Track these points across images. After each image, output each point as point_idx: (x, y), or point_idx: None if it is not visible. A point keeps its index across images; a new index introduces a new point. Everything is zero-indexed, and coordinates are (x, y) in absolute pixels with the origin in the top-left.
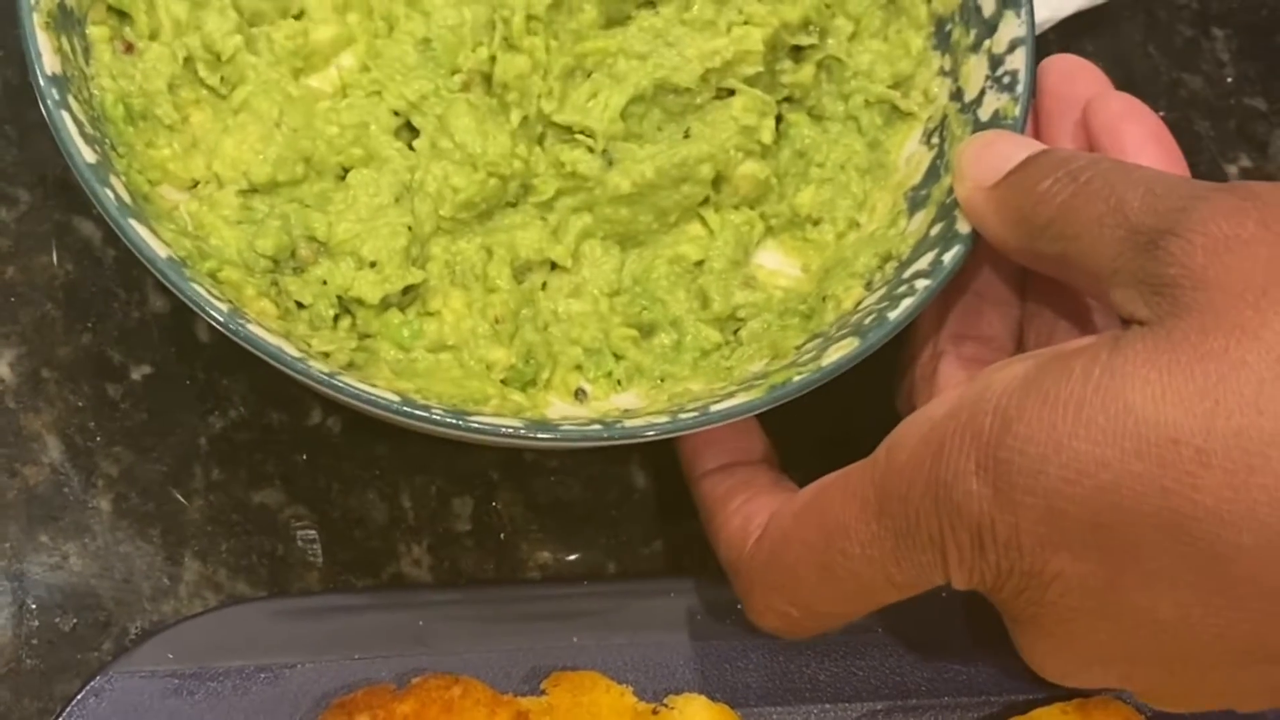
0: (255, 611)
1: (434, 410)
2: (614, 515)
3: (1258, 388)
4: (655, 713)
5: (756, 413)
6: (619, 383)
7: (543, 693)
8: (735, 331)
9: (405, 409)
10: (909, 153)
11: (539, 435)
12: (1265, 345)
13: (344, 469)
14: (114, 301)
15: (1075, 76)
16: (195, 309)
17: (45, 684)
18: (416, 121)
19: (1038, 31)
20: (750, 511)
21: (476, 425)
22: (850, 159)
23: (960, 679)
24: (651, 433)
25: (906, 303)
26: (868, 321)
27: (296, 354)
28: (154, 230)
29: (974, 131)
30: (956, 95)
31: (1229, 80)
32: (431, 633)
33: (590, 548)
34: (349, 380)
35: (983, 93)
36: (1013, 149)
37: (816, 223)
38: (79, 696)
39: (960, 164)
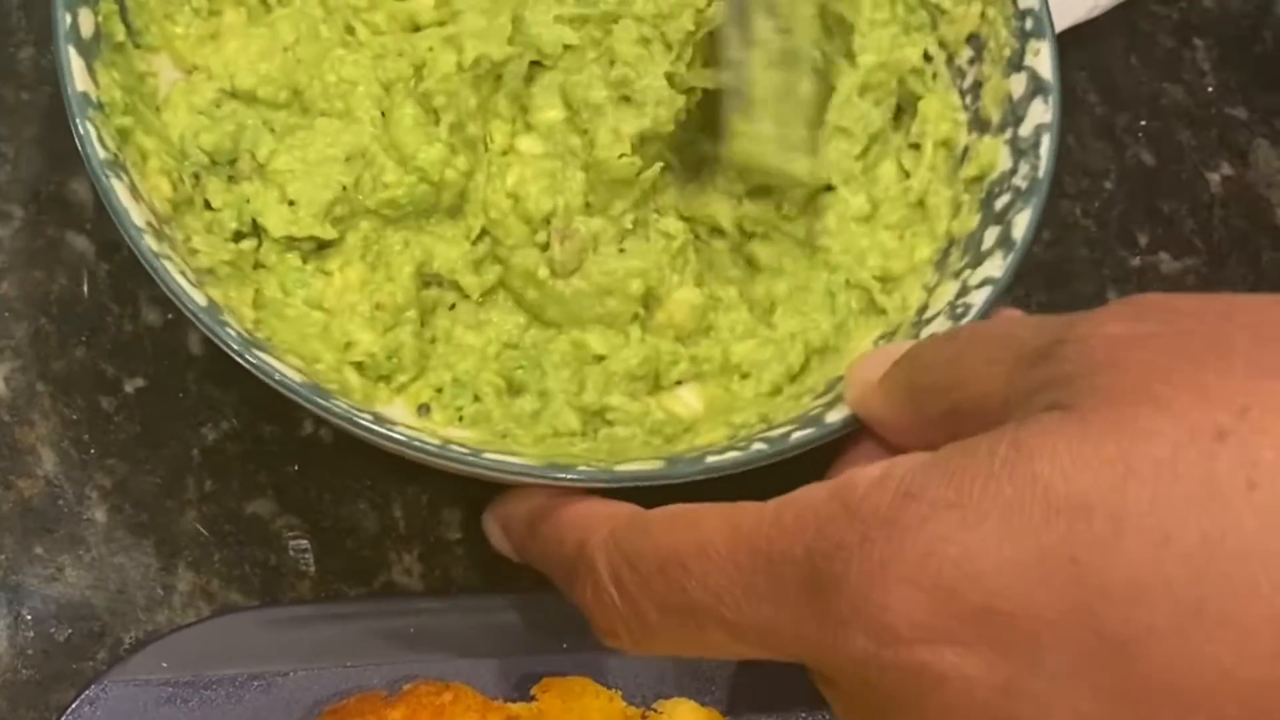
0: (248, 620)
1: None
2: None
3: (1172, 452)
4: (644, 717)
5: (523, 477)
6: (461, 419)
7: (533, 699)
8: (595, 429)
9: (208, 318)
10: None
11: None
12: (1176, 414)
13: (335, 479)
14: (107, 316)
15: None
16: (79, 144)
17: (41, 694)
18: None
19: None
20: (615, 508)
21: (262, 363)
22: (807, 332)
23: None
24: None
25: (731, 455)
26: (687, 457)
27: (140, 223)
28: (90, 68)
29: None
30: (920, 310)
31: (1210, 90)
32: (423, 640)
33: None
34: (170, 269)
35: (936, 315)
36: (897, 348)
37: (744, 376)
38: (74, 705)
39: (851, 373)
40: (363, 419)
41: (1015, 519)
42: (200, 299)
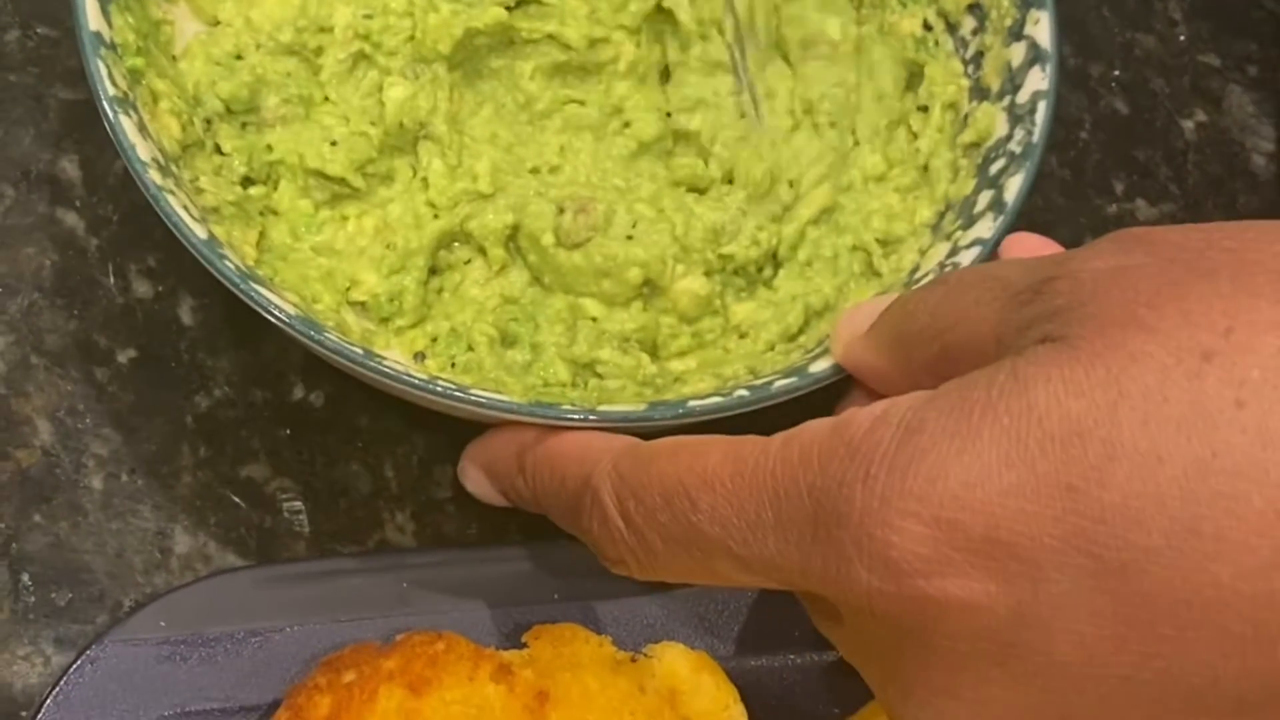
0: (244, 579)
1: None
2: None
3: (1161, 376)
4: (634, 660)
5: (509, 414)
6: (454, 366)
7: (524, 645)
8: (585, 381)
9: (207, 250)
10: None
11: (370, 365)
12: (1164, 335)
13: (327, 442)
14: (98, 289)
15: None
16: (90, 82)
17: (42, 657)
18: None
19: None
20: (611, 439)
21: (271, 302)
22: (809, 295)
23: None
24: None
25: (714, 400)
26: (669, 402)
27: (145, 158)
28: (105, 10)
29: None
30: (913, 271)
31: (1182, 39)
32: (415, 594)
33: None
34: (181, 214)
35: (926, 275)
36: (883, 301)
37: (742, 336)
38: (76, 665)
39: (836, 328)
40: (353, 351)
41: (1013, 448)
42: (201, 232)
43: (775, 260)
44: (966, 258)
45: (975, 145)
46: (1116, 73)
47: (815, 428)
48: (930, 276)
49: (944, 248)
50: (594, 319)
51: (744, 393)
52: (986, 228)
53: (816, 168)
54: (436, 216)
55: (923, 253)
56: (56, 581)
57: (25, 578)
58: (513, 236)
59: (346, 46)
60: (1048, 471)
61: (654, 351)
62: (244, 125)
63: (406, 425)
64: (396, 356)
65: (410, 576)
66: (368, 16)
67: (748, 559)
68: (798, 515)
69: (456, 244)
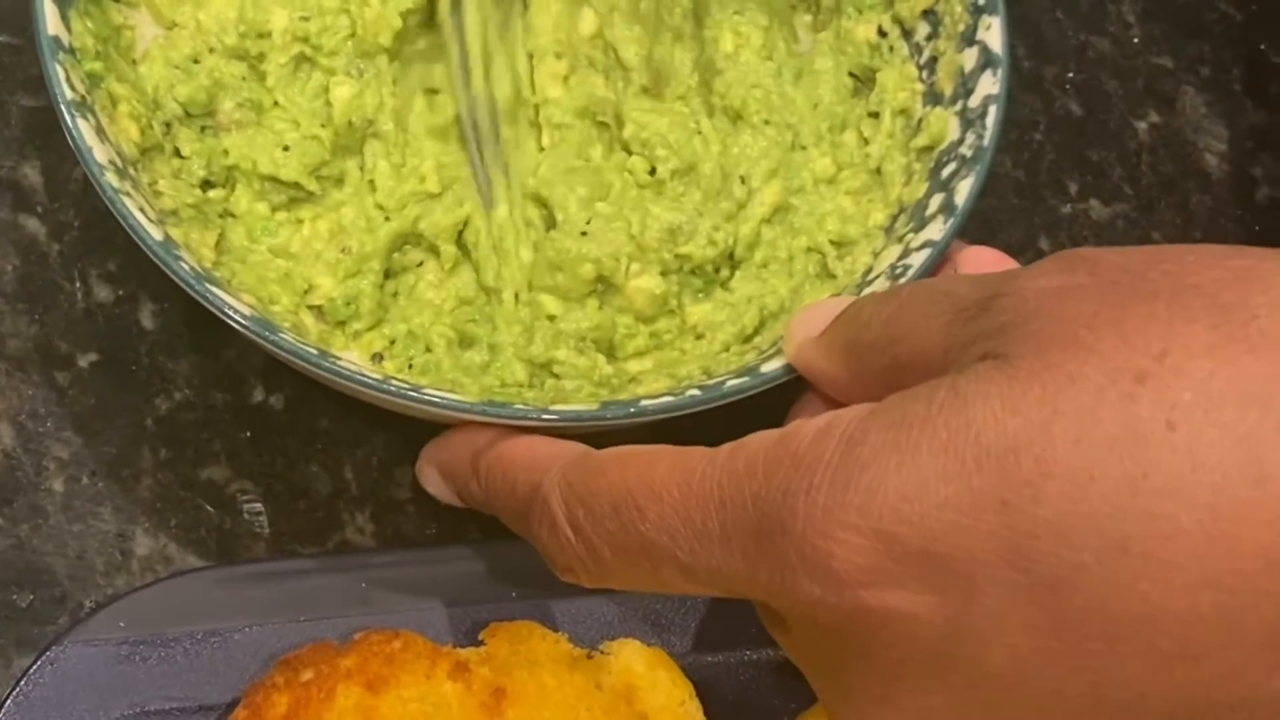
0: (204, 580)
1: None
2: None
3: (1095, 395)
4: (590, 657)
5: (464, 414)
6: (411, 367)
7: (481, 643)
8: (542, 381)
9: (163, 251)
10: None
11: (324, 365)
12: (1100, 357)
13: (287, 444)
14: (60, 294)
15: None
16: (48, 85)
17: (3, 657)
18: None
19: None
20: (563, 445)
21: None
22: (764, 297)
23: None
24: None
25: (664, 400)
26: (620, 401)
27: (102, 160)
28: (64, 15)
29: None
30: (865, 273)
31: (1135, 41)
32: (374, 594)
33: None
34: (125, 200)
35: (877, 276)
36: (836, 306)
37: (699, 337)
38: (35, 665)
39: (790, 328)
40: (308, 352)
41: (950, 463)
42: (157, 234)
43: (732, 261)
44: (917, 259)
45: (928, 149)
46: (1071, 74)
47: (762, 438)
48: (883, 278)
49: (896, 250)
50: (551, 317)
51: (696, 392)
52: (937, 230)
53: (764, 163)
54: (388, 219)
55: (876, 255)
56: (17, 583)
57: None
58: (463, 233)
59: (287, 50)
60: (983, 487)
61: (611, 352)
62: (203, 129)
63: (366, 427)
64: (354, 358)
65: (369, 576)
66: (304, 19)
67: (694, 568)
68: (743, 525)
69: (409, 246)
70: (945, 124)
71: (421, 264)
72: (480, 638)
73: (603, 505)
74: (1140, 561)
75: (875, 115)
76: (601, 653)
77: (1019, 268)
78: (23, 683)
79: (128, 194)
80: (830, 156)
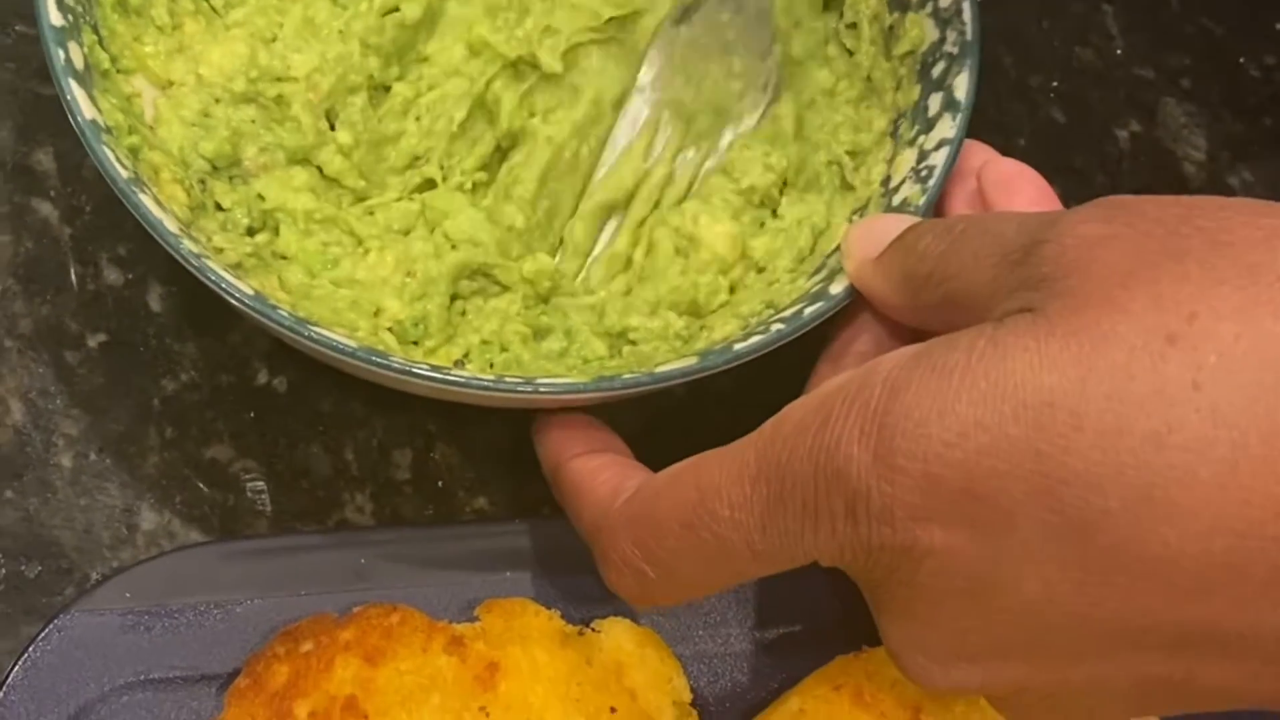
0: (208, 553)
1: (280, 311)
2: None
3: (1128, 354)
4: (581, 634)
5: (582, 396)
6: (492, 367)
7: (476, 619)
8: (620, 349)
9: (259, 304)
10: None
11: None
12: (1133, 316)
13: (290, 425)
14: (70, 276)
15: (968, 150)
16: (100, 169)
17: (11, 626)
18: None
19: None
20: (622, 478)
21: (316, 336)
22: (811, 217)
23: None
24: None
25: (755, 339)
26: (716, 349)
27: (175, 230)
28: (91, 96)
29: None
30: (885, 182)
31: (1119, 52)
32: (372, 570)
33: (525, 492)
34: (209, 263)
35: (903, 181)
36: (894, 225)
37: (760, 270)
38: (42, 633)
39: (848, 243)
40: (420, 369)
41: (988, 413)
42: (247, 289)
43: (783, 189)
44: (938, 159)
45: (910, 54)
46: (1055, 83)
47: (802, 402)
48: (909, 182)
49: (911, 154)
50: (626, 292)
51: (780, 326)
52: (948, 128)
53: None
54: (454, 248)
55: (889, 162)
56: (26, 554)
57: None
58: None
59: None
60: (1019, 436)
61: (696, 312)
62: (231, 179)
63: (367, 410)
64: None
65: (368, 553)
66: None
67: (768, 549)
68: (799, 482)
69: (478, 276)
70: (921, 27)
71: (487, 291)
72: (475, 613)
73: (674, 526)
74: (1162, 508)
75: (854, 26)
76: (592, 630)
77: (1062, 211)
78: (30, 650)
79: (207, 256)
80: (826, 69)
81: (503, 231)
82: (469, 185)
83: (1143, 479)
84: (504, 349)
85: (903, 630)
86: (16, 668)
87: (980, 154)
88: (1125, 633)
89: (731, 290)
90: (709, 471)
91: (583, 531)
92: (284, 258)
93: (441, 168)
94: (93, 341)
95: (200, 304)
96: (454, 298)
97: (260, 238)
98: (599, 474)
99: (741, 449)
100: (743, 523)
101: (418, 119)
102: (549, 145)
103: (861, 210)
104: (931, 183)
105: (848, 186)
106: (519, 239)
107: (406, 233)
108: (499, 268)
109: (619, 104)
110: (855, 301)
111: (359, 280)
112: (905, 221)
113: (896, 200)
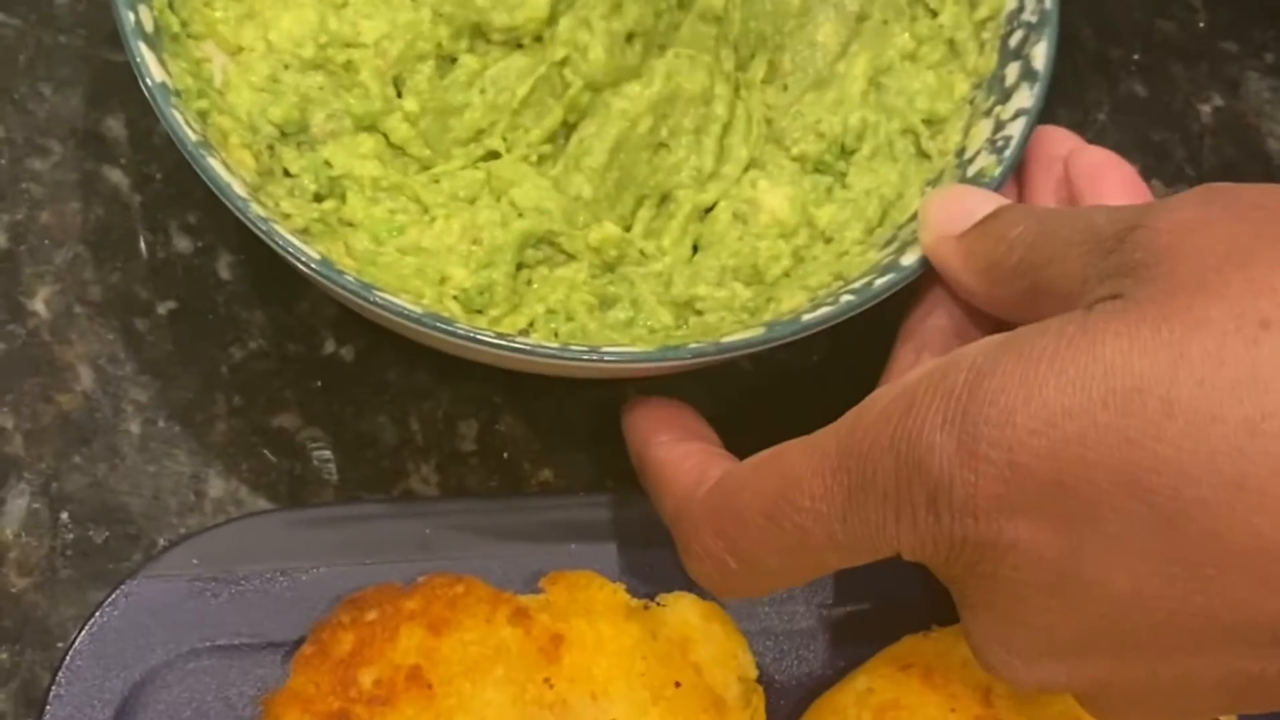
0: (275, 521)
1: (347, 277)
2: (612, 434)
3: (1220, 340)
4: (646, 608)
5: (647, 365)
6: (557, 336)
7: (540, 591)
8: (686, 319)
9: (324, 269)
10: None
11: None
12: (1228, 303)
13: (356, 394)
14: (140, 243)
15: (1054, 137)
16: (170, 131)
17: (79, 591)
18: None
19: None
20: (705, 467)
21: (382, 302)
22: (881, 188)
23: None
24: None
25: (823, 310)
26: (784, 320)
27: (243, 194)
28: (160, 59)
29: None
30: (960, 152)
31: (1201, 25)
32: (437, 540)
33: (589, 465)
34: (277, 227)
35: (978, 152)
36: (977, 202)
37: (828, 241)
38: (110, 598)
39: (927, 215)
40: (484, 336)
41: (1077, 399)
42: (314, 253)
43: (846, 157)
44: (1015, 129)
45: (990, 19)
46: (1136, 56)
47: (885, 391)
48: (984, 153)
49: (987, 124)
50: (690, 259)
51: (850, 298)
52: (1025, 98)
53: (839, 33)
54: (521, 216)
55: (966, 131)
56: (94, 520)
57: (64, 516)
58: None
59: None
60: (1108, 424)
61: (758, 279)
62: (299, 145)
63: (433, 381)
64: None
65: (433, 523)
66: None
67: (849, 540)
68: (883, 476)
69: (544, 245)
70: None
71: (554, 260)
72: (540, 585)
73: (756, 518)
74: (1254, 498)
75: None
76: (658, 604)
77: (1155, 201)
78: (97, 615)
79: (275, 219)
80: (909, 31)
81: (569, 201)
82: (534, 158)
83: (1235, 467)
84: (569, 318)
85: (986, 625)
86: (83, 632)
87: (1066, 141)
88: (1215, 627)
89: (798, 260)
90: (790, 461)
91: (665, 518)
92: (350, 224)
93: (505, 140)
94: (162, 309)
95: (269, 273)
96: (520, 266)
97: (327, 204)
98: (684, 461)
99: (823, 438)
100: (824, 514)
101: (482, 92)
102: (623, 118)
103: (935, 181)
104: (1007, 154)
105: (923, 155)
106: (586, 208)
107: (472, 201)
108: (565, 236)
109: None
110: (930, 275)
111: (425, 248)
112: (986, 197)
113: (971, 171)
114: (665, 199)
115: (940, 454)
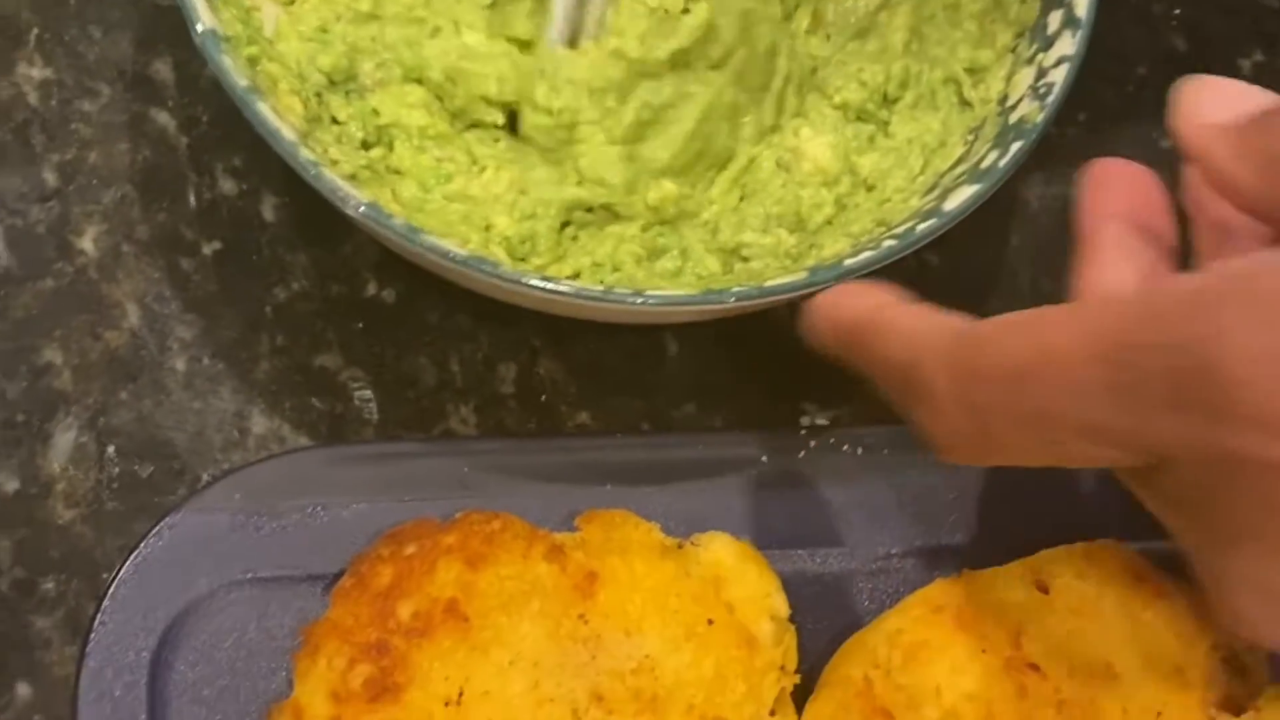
0: (316, 457)
1: (395, 220)
2: (649, 380)
3: None
4: (680, 547)
5: (690, 308)
6: (601, 283)
7: (576, 529)
8: (732, 266)
9: (373, 213)
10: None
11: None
12: None
13: (398, 335)
14: (187, 185)
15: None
16: (219, 77)
17: (125, 523)
18: None
19: None
20: (940, 318)
21: (429, 245)
22: (923, 136)
23: (970, 531)
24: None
25: (865, 255)
26: (826, 264)
27: (292, 139)
28: (210, 5)
29: (998, 133)
30: (1002, 100)
31: None
32: (475, 479)
33: (626, 409)
34: (325, 171)
35: (1021, 99)
36: (1241, 92)
37: (870, 189)
38: (154, 530)
39: (1182, 100)
40: (530, 279)
41: None
42: (363, 196)
43: (888, 106)
44: (1058, 75)
45: None
46: (1177, 11)
47: (1176, 283)
48: (1026, 100)
49: (1029, 72)
50: (737, 209)
51: (892, 242)
52: (1068, 44)
53: None
54: (580, 184)
55: (1008, 79)
56: (140, 454)
57: (111, 450)
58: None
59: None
60: None
61: (801, 226)
62: (347, 94)
63: (473, 323)
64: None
65: (471, 462)
66: None
67: (1102, 428)
68: (1156, 372)
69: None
70: None
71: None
72: (575, 523)
73: (998, 378)
74: None
75: None
76: (692, 544)
77: None
78: (141, 546)
79: (323, 164)
80: None
81: (637, 170)
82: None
83: None
84: (616, 269)
85: (1247, 561)
86: (128, 563)
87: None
88: None
89: (841, 208)
90: (1051, 331)
91: (891, 377)
92: (398, 172)
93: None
94: (207, 249)
95: (312, 215)
96: (565, 224)
97: (375, 152)
98: (920, 318)
99: (1095, 314)
100: (1076, 394)
101: None
102: (709, 87)
103: (977, 129)
104: (1050, 100)
105: (965, 104)
106: (654, 176)
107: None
108: (621, 204)
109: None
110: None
111: (472, 196)
112: (1250, 89)
113: (1014, 118)
114: (730, 161)
115: (1236, 358)
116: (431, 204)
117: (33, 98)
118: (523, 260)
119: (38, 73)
